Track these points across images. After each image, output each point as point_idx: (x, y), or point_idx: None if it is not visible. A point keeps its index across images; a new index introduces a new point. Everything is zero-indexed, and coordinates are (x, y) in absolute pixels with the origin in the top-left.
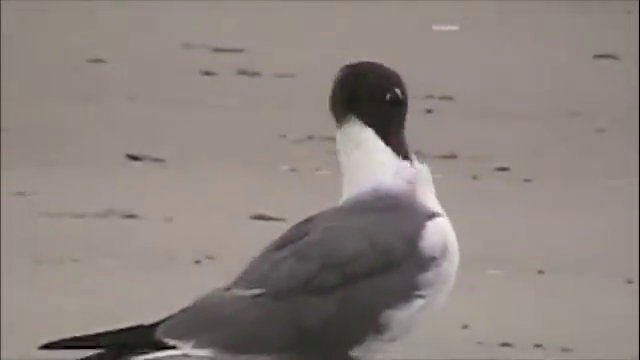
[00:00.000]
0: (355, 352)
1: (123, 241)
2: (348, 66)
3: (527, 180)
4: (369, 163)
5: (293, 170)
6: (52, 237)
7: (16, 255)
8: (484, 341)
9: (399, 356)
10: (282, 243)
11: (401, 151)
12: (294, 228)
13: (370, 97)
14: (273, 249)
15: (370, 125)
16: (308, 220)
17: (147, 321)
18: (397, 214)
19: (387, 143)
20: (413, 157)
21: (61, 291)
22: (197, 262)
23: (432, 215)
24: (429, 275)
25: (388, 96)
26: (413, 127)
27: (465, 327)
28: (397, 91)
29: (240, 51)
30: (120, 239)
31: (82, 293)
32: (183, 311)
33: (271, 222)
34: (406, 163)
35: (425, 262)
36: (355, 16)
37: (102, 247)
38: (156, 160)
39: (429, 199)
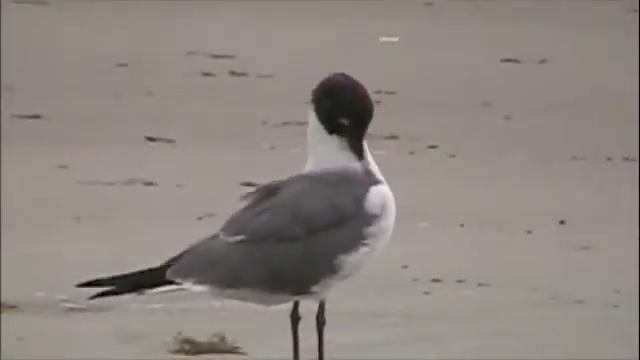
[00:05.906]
0: (314, 288)
1: (144, 203)
2: (324, 82)
3: (451, 156)
4: (331, 154)
5: (272, 148)
6: (88, 200)
7: (59, 215)
8: (419, 277)
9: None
10: (258, 200)
11: (356, 149)
12: (266, 188)
13: (329, 116)
14: (251, 205)
15: (330, 133)
16: (277, 184)
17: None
18: (348, 184)
19: (342, 139)
20: (365, 147)
21: (96, 242)
22: (199, 218)
23: (375, 182)
24: (372, 229)
25: (342, 121)
26: None
27: (405, 267)
28: (343, 121)
29: (232, 57)
30: (141, 201)
31: (112, 243)
32: (183, 256)
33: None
34: (357, 160)
35: (369, 219)
36: (321, 31)
37: (127, 207)
38: (168, 141)
39: (372, 169)
